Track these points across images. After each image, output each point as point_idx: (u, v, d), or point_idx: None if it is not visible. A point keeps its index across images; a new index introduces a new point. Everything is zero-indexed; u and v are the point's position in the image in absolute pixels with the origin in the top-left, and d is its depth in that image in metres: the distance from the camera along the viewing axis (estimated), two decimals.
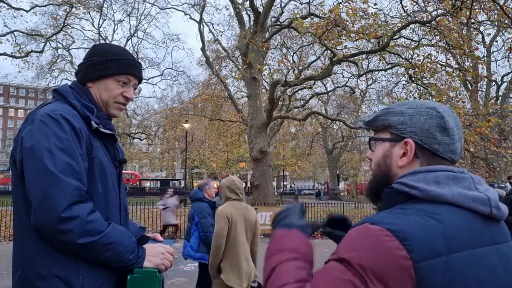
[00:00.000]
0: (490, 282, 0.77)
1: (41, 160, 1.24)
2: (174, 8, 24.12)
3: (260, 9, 15.45)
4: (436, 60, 12.99)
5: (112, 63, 1.47)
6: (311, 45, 20.55)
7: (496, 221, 0.86)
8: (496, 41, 20.47)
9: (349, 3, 11.70)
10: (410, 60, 12.39)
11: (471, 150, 11.41)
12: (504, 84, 22.00)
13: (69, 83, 1.53)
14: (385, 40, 11.04)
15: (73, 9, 19.09)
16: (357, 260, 0.74)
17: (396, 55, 13.43)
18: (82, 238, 1.22)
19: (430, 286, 0.72)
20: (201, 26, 19.39)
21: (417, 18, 13.03)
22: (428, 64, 11.87)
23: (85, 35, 33.55)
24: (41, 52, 20.87)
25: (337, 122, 23.42)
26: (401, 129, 0.91)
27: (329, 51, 13.33)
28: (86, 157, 1.34)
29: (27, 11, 19.44)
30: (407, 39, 14.29)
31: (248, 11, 18.32)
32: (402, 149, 0.90)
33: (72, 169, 1.26)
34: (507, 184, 5.42)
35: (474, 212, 0.82)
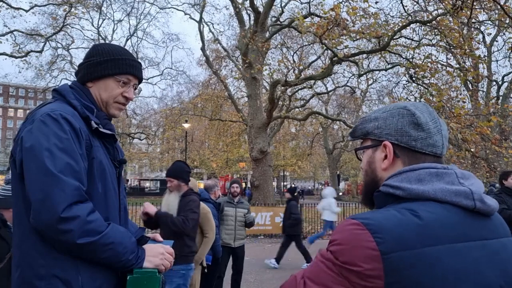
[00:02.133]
0: (470, 278, 0.77)
1: (41, 160, 1.24)
2: (174, 8, 24.13)
3: (260, 9, 15.44)
4: (437, 60, 12.99)
5: (112, 63, 1.48)
6: (311, 45, 20.56)
7: (484, 217, 0.85)
8: (497, 41, 20.56)
9: (350, 3, 11.69)
10: (411, 60, 12.37)
11: (472, 150, 11.39)
12: (505, 84, 21.98)
13: (69, 83, 1.53)
14: (386, 40, 11.02)
15: (73, 9, 19.08)
16: (335, 251, 0.81)
17: (397, 55, 13.41)
18: (81, 238, 1.22)
19: (400, 277, 0.74)
20: (201, 25, 19.38)
21: (417, 18, 13.01)
22: (429, 64, 11.85)
23: (84, 35, 33.64)
24: (40, 52, 20.85)
25: (338, 122, 23.40)
26: (378, 133, 0.95)
27: (329, 51, 13.31)
28: (85, 157, 1.34)
29: (26, 11, 19.43)
30: (408, 38, 14.29)
31: (248, 11, 18.31)
32: (382, 152, 0.94)
33: (72, 169, 1.26)
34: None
35: (458, 207, 0.83)
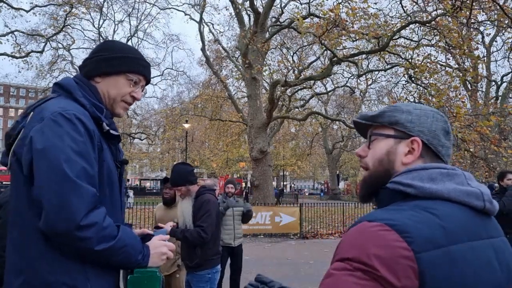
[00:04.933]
0: (485, 275, 0.79)
1: (56, 164, 1.18)
2: (174, 8, 24.25)
3: (260, 9, 15.45)
4: (436, 60, 13.00)
5: (126, 60, 1.43)
6: (311, 45, 20.56)
7: (488, 216, 0.88)
8: (496, 41, 20.55)
9: (349, 3, 11.71)
10: (410, 60, 12.39)
11: (471, 149, 11.41)
12: (504, 84, 21.98)
13: (72, 76, 1.46)
14: (385, 40, 11.04)
15: (73, 9, 19.11)
16: (360, 258, 0.75)
17: (396, 55, 13.43)
18: (99, 245, 1.21)
19: (433, 276, 0.73)
20: (201, 26, 19.40)
21: (417, 18, 13.03)
22: (428, 64, 11.87)
23: (85, 35, 33.54)
24: (41, 52, 20.87)
25: (337, 122, 23.42)
26: (410, 127, 0.92)
27: (329, 51, 13.33)
28: (97, 160, 1.31)
29: (27, 11, 19.46)
30: (407, 39, 14.30)
31: (248, 11, 18.31)
32: (407, 147, 0.92)
33: (87, 174, 1.23)
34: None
35: (468, 206, 0.84)
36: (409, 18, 13.06)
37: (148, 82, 1.55)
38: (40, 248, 1.22)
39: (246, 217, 5.41)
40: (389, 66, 15.65)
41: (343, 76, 23.84)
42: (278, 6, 18.51)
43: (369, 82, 23.16)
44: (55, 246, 1.22)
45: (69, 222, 1.16)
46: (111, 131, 1.38)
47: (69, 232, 1.16)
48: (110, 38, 25.79)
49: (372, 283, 0.74)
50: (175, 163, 3.58)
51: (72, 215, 1.16)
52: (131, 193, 27.94)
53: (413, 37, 14.74)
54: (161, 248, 1.45)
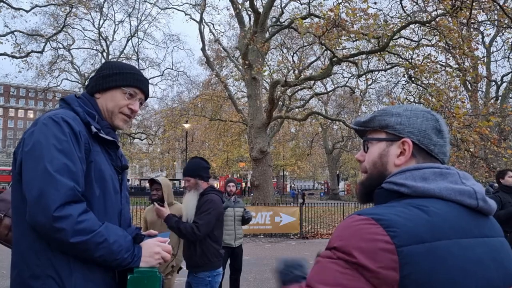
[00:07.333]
0: (477, 272, 0.80)
1: (38, 160, 1.27)
2: (175, 8, 24.37)
3: (260, 10, 15.45)
4: (436, 60, 13.00)
5: (120, 75, 1.55)
6: (311, 46, 20.57)
7: (484, 216, 0.89)
8: (496, 41, 20.61)
9: (349, 3, 11.71)
10: (410, 60, 12.38)
11: (471, 150, 11.41)
12: (504, 84, 21.99)
13: (78, 94, 1.59)
14: (385, 40, 11.04)
15: (74, 9, 19.13)
16: (345, 248, 0.79)
17: (396, 55, 13.43)
18: (74, 237, 1.24)
19: (414, 270, 0.75)
20: (202, 26, 19.42)
21: (417, 18, 13.03)
22: (428, 64, 11.87)
23: (85, 35, 33.50)
24: (41, 52, 20.91)
25: (337, 122, 23.40)
26: (399, 129, 0.95)
27: (329, 52, 13.33)
28: (84, 160, 1.37)
29: (27, 11, 19.47)
30: (407, 39, 14.29)
31: (248, 11, 18.33)
32: (399, 149, 0.94)
33: (68, 170, 1.29)
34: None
35: (461, 205, 0.85)
36: (409, 18, 13.05)
37: (146, 96, 1.65)
38: (29, 242, 1.30)
39: (245, 221, 5.42)
40: (389, 66, 15.65)
41: (343, 76, 23.89)
42: (278, 6, 18.55)
43: (369, 82, 23.15)
44: (42, 240, 1.28)
45: (45, 212, 1.23)
46: (100, 134, 1.45)
47: (46, 223, 1.23)
48: (110, 38, 25.83)
49: (352, 272, 0.77)
50: (176, 161, 3.56)
51: (47, 206, 1.23)
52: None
53: (413, 37, 14.73)
54: (154, 248, 1.45)
